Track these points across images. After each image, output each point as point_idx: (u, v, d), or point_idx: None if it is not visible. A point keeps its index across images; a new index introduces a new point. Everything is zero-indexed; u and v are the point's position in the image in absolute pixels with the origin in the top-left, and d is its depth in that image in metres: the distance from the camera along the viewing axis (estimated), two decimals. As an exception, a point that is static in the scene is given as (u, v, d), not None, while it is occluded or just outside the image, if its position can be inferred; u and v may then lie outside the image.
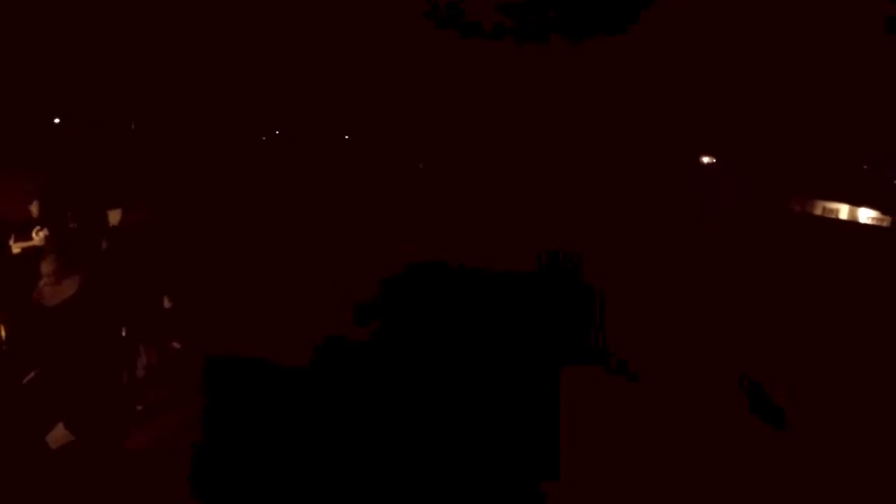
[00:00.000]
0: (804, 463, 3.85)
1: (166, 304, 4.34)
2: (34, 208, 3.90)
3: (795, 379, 5.01)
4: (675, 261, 9.20)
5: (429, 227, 10.60)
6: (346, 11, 17.12)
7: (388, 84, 19.52)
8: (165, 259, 4.43)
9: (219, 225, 7.98)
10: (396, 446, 3.69)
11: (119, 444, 3.14)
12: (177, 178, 10.31)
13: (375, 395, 4.30)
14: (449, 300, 6.86)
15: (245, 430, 3.72)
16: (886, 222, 16.39)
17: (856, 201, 17.21)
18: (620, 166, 17.37)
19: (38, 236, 3.65)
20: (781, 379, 4.95)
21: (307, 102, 19.56)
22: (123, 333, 3.49)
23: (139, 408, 3.72)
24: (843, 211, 17.85)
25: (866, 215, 17.24)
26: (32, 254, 3.37)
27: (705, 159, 19.22)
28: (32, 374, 2.84)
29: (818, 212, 17.88)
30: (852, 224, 16.49)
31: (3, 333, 2.97)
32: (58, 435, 2.92)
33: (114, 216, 4.26)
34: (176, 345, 4.52)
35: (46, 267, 2.92)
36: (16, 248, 3.69)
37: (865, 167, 17.32)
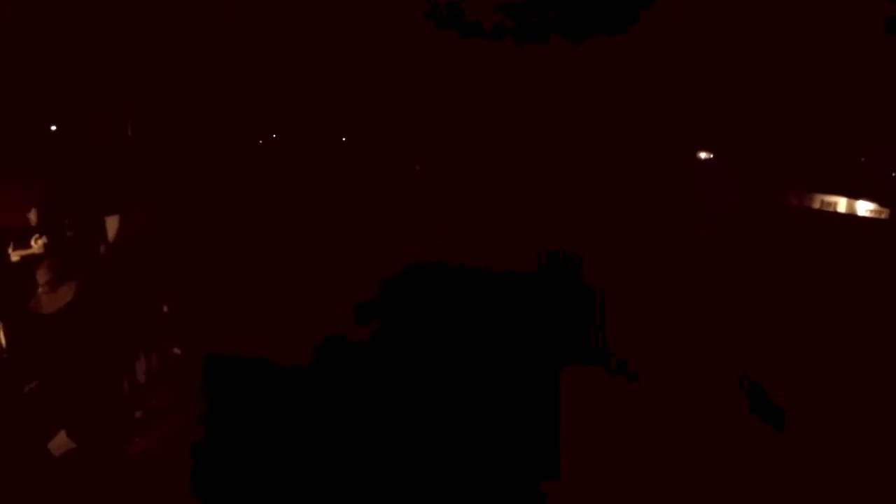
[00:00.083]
0: (804, 463, 3.85)
1: (166, 309, 4.35)
2: (32, 216, 3.91)
3: (795, 378, 5.00)
4: (674, 260, 9.18)
5: (428, 227, 10.60)
6: (346, 12, 17.13)
7: (386, 84, 19.52)
8: (165, 264, 4.44)
9: (218, 229, 8.00)
10: (396, 446, 3.70)
11: (120, 449, 3.15)
12: (175, 183, 10.33)
13: (375, 395, 4.31)
14: (449, 300, 6.86)
15: (246, 432, 3.73)
16: (885, 214, 16.36)
17: (854, 194, 17.18)
18: (620, 166, 17.35)
19: (36, 244, 3.66)
20: (781, 378, 4.95)
21: (305, 104, 19.56)
22: (123, 339, 3.50)
23: (140, 413, 3.73)
24: (842, 204, 17.82)
25: (865, 208, 17.20)
26: (31, 262, 3.39)
27: (704, 157, 19.19)
28: (34, 381, 2.85)
29: (816, 205, 17.86)
30: (851, 217, 16.43)
31: (4, 342, 2.98)
32: (60, 442, 2.94)
33: (112, 222, 4.27)
34: (176, 350, 4.54)
35: (42, 275, 2.93)
36: (14, 257, 3.70)
37: (863, 160, 17.31)
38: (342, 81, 19.20)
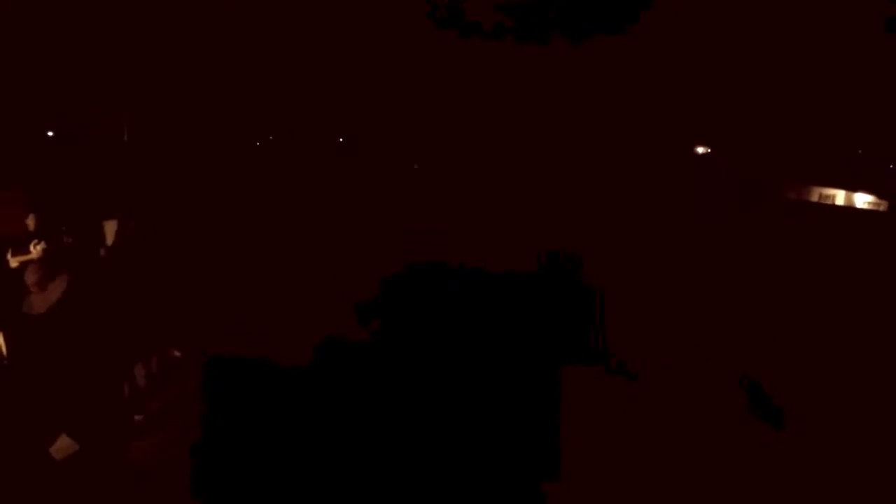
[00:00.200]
0: (803, 462, 3.85)
1: (166, 311, 4.35)
2: (31, 222, 3.92)
3: (795, 376, 5.00)
4: (673, 260, 9.17)
5: (428, 227, 10.59)
6: (345, 12, 17.14)
7: (385, 84, 19.53)
8: (164, 267, 4.45)
9: (217, 231, 8.02)
10: (396, 446, 3.70)
11: (121, 453, 3.15)
12: (174, 186, 10.35)
13: (375, 395, 4.31)
14: (449, 300, 6.86)
15: (246, 434, 3.74)
16: (883, 206, 16.36)
17: (852, 187, 17.20)
18: (619, 166, 17.34)
19: (35, 250, 3.67)
20: (780, 377, 4.94)
21: (303, 105, 19.57)
22: (123, 342, 3.50)
23: (140, 416, 3.73)
24: (840, 197, 17.84)
25: (863, 200, 17.21)
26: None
27: (702, 153, 19.19)
28: (34, 385, 2.86)
29: (814, 198, 17.87)
30: (849, 210, 16.41)
31: (4, 348, 2.99)
32: (62, 445, 2.94)
33: (110, 227, 4.28)
34: (177, 352, 4.55)
35: (31, 276, 2.94)
36: (14, 263, 3.71)
37: (860, 152, 17.31)
38: (341, 82, 19.21)
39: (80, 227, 3.88)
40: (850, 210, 16.32)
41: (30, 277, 2.92)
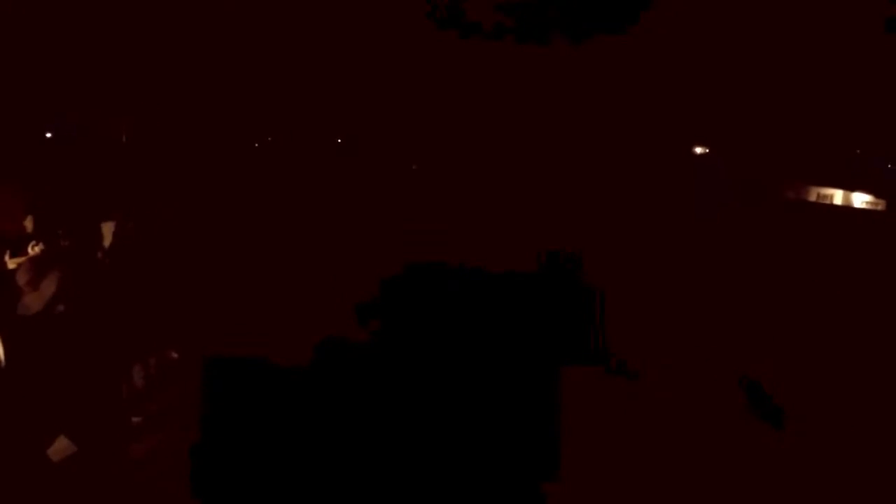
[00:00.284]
0: (803, 462, 3.85)
1: (164, 312, 4.34)
2: (28, 223, 3.91)
3: (794, 376, 5.00)
4: (673, 260, 9.17)
5: (428, 227, 10.58)
6: (344, 12, 17.15)
7: (384, 84, 19.55)
8: (163, 267, 4.44)
9: (216, 232, 8.01)
10: (396, 446, 3.70)
11: (118, 456, 3.15)
12: (172, 187, 10.35)
13: (375, 396, 4.31)
14: (449, 300, 6.85)
15: (246, 434, 3.74)
16: (881, 206, 16.40)
17: (850, 186, 17.23)
18: (619, 166, 17.35)
19: (33, 251, 3.66)
20: (780, 376, 4.94)
21: (302, 105, 19.59)
22: (121, 344, 3.49)
23: (138, 419, 3.72)
24: (838, 196, 17.88)
25: (861, 200, 17.25)
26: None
27: (701, 153, 19.23)
28: (32, 387, 2.85)
29: (813, 198, 17.91)
30: (848, 209, 16.45)
31: (2, 351, 2.98)
32: (60, 447, 2.93)
33: (108, 228, 4.27)
34: (174, 354, 4.53)
35: (22, 277, 2.92)
36: (11, 264, 3.70)
37: (859, 152, 17.35)
38: (340, 82, 19.24)
39: (78, 228, 3.86)
40: (848, 210, 16.35)
41: (21, 278, 2.90)
